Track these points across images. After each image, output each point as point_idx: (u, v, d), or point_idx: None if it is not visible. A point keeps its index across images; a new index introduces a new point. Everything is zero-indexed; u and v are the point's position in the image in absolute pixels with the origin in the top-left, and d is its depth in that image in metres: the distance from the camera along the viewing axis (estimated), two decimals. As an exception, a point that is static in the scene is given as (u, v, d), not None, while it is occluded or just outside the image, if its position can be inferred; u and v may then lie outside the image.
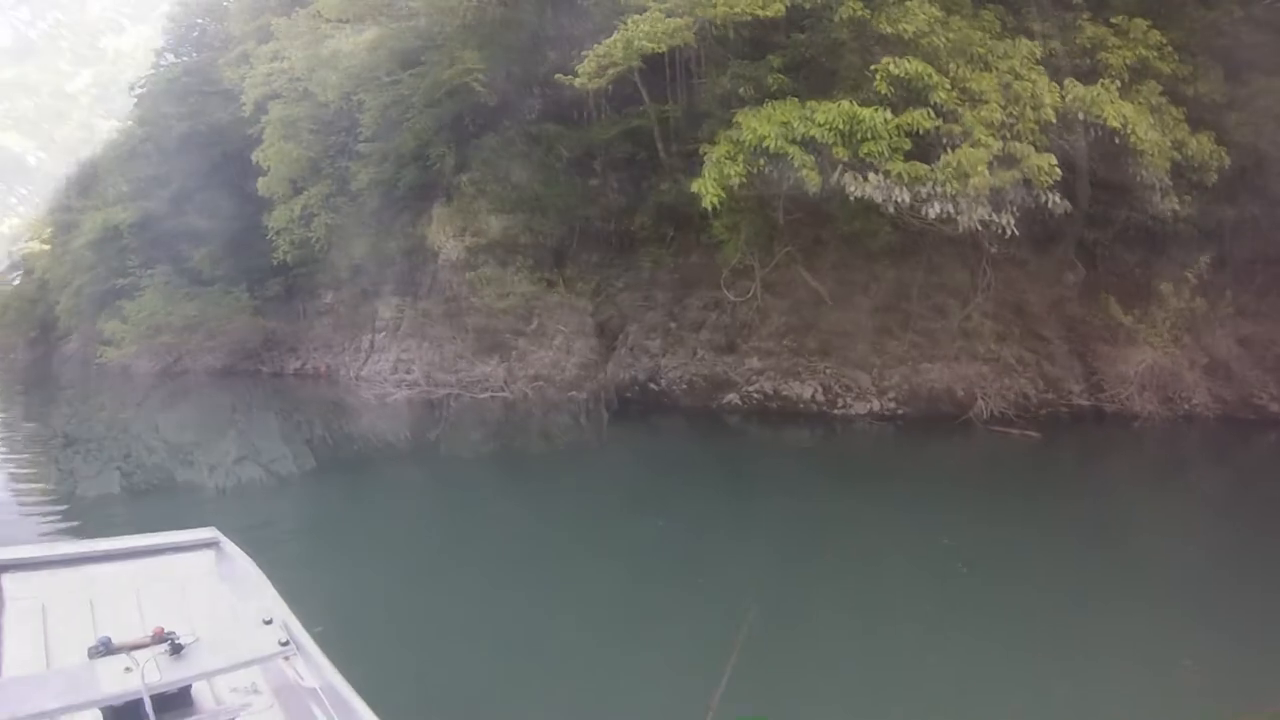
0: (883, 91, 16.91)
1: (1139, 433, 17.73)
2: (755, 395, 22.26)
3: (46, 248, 65.11)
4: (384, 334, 31.43)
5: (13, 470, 19.50)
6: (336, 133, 30.19)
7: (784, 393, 21.94)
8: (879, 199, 16.80)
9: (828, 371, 21.72)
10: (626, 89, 22.66)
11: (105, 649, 4.25)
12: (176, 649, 4.11)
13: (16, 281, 73.70)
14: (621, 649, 8.20)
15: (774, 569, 10.53)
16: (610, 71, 19.37)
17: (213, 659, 4.19)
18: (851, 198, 16.94)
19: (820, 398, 21.51)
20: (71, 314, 53.98)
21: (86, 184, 57.21)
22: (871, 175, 16.77)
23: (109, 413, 31.62)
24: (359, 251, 30.25)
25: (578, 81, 19.45)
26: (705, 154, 18.30)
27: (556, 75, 20.95)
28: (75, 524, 13.03)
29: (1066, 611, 8.84)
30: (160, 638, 4.26)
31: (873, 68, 17.20)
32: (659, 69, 22.60)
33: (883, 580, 10.11)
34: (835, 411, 21.11)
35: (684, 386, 23.39)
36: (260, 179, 31.74)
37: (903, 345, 21.21)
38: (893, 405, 20.74)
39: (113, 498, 15.19)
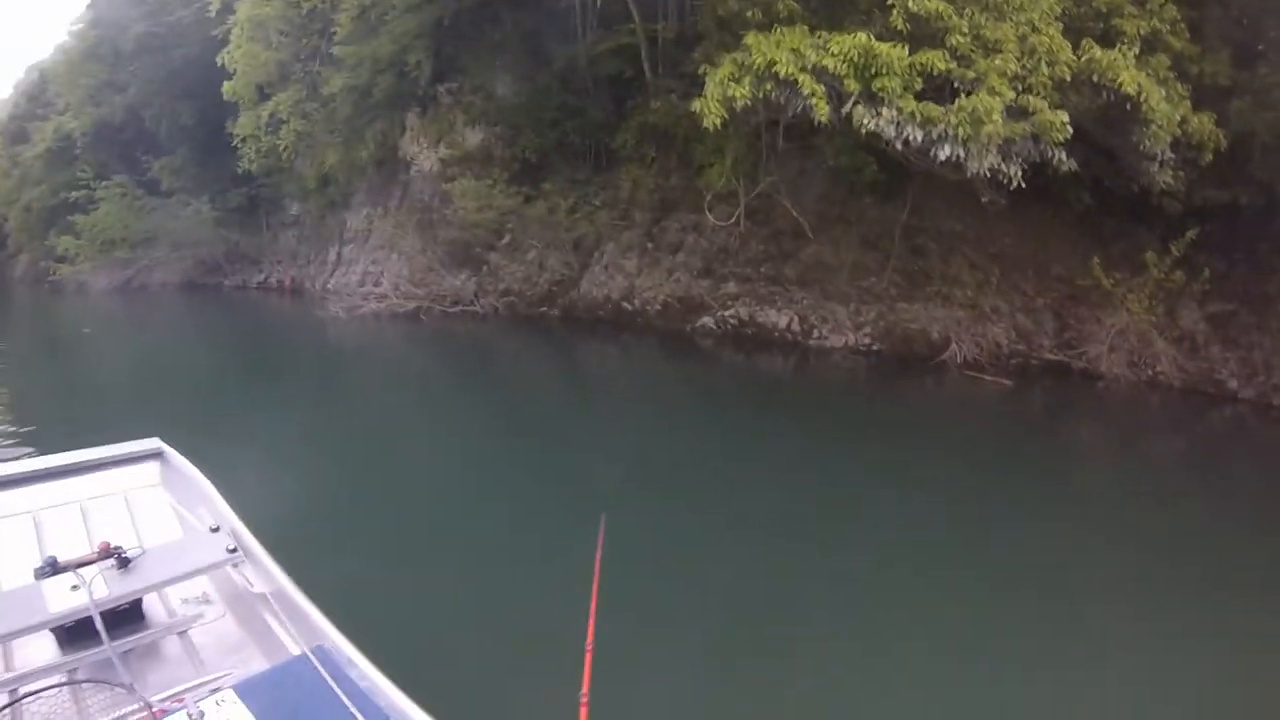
0: (898, 27, 16.44)
1: (1102, 393, 17.69)
2: (730, 320, 21.82)
3: (-7, 159, 62.91)
4: (352, 246, 30.61)
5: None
6: (309, 35, 29.09)
7: (759, 320, 21.53)
8: (890, 135, 16.35)
9: (804, 302, 21.33)
10: (616, 5, 21.98)
11: (52, 569, 4.14)
12: (124, 563, 3.99)
13: (-39, 197, 71.36)
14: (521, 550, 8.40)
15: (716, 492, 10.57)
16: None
17: (161, 570, 4.07)
18: (863, 130, 16.45)
19: (796, 327, 21.14)
20: (21, 230, 52.19)
21: (35, 92, 54.93)
22: (885, 110, 16.31)
23: (58, 330, 30.82)
24: (329, 161, 29.27)
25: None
26: (706, 75, 17.68)
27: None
28: (19, 440, 12.65)
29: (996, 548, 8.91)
30: (106, 552, 4.18)
31: (890, 1, 16.69)
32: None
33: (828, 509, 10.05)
34: (810, 342, 20.75)
35: (658, 307, 22.85)
36: (225, 83, 30.57)
37: (882, 283, 20.85)
38: (868, 341, 20.41)
39: (62, 414, 14.87)
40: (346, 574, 7.05)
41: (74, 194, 41.20)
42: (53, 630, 3.85)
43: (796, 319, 21.16)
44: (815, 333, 20.84)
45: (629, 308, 23.29)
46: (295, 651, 3.88)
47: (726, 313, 21.86)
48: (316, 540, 7.96)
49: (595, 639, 3.64)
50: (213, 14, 30.58)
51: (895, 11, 16.33)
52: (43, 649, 3.95)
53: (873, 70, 16.21)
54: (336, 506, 9.83)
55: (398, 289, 25.70)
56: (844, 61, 16.21)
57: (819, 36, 16.72)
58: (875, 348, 20.15)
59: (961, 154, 16.16)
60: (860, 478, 11.37)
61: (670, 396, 16.70)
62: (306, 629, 4.03)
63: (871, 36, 16.32)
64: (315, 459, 12.13)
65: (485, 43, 25.84)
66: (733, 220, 21.61)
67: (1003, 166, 16.19)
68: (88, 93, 42.56)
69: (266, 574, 4.44)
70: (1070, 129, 15.89)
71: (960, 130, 15.89)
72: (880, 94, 16.12)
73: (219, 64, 30.50)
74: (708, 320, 22.00)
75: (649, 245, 23.52)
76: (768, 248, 22.03)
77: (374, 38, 26.02)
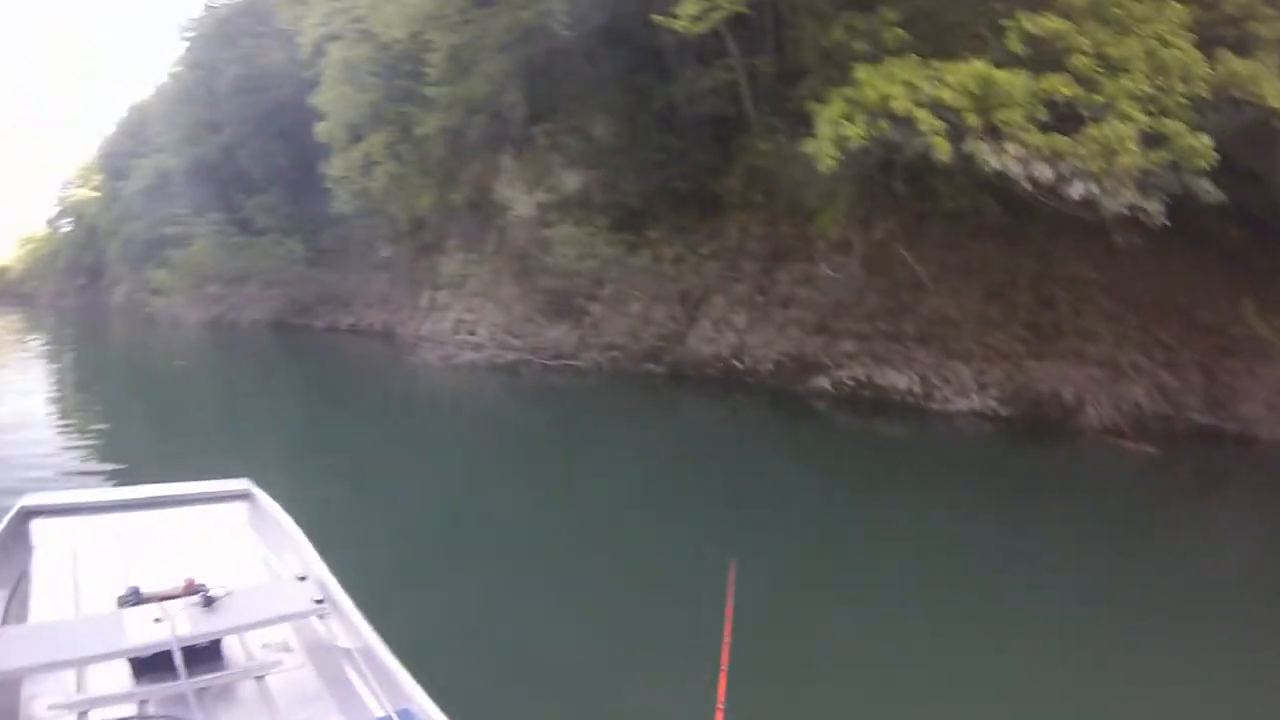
0: (1015, 51, 15.78)
1: (1263, 459, 16.52)
2: (847, 382, 21.25)
3: (97, 194, 66.00)
4: (446, 291, 30.92)
5: (57, 417, 19.48)
6: (400, 76, 29.50)
7: (878, 381, 20.87)
8: (1017, 172, 15.70)
9: (925, 361, 20.61)
10: (710, 41, 21.77)
11: (135, 598, 4.31)
12: (208, 601, 4.14)
13: (67, 228, 75.08)
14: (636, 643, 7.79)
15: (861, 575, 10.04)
16: (713, 15, 18.58)
17: (245, 613, 4.20)
18: (986, 169, 15.85)
19: (916, 390, 20.42)
20: (120, 262, 54.87)
21: (135, 130, 57.63)
22: (1010, 146, 15.66)
23: (152, 361, 32.02)
24: (422, 203, 29.68)
25: (679, 25, 18.60)
26: (815, 113, 17.32)
27: (653, 17, 19.95)
28: (111, 470, 13.18)
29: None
30: (191, 589, 4.34)
31: (1005, 23, 16.06)
32: (746, 20, 21.55)
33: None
34: (931, 406, 19.99)
35: (770, 367, 22.43)
36: (318, 124, 31.33)
37: (1008, 338, 20.03)
38: (994, 404, 19.58)
39: (154, 447, 15.36)
40: (437, 630, 7.03)
41: (170, 229, 43.01)
42: (130, 660, 3.95)
43: (917, 380, 20.48)
44: (937, 395, 20.12)
45: (739, 366, 22.93)
46: (378, 712, 3.95)
47: (843, 373, 21.32)
48: (405, 592, 7.98)
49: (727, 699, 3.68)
50: (304, 57, 31.33)
51: (1011, 34, 15.70)
52: (117, 677, 4.02)
53: (992, 101, 15.61)
54: (429, 557, 9.83)
55: (494, 338, 25.89)
56: (961, 93, 15.64)
57: (931, 67, 16.19)
58: (1002, 412, 19.32)
59: (1095, 191, 15.37)
60: (990, 558, 10.72)
61: (784, 463, 16.23)
62: (392, 689, 4.07)
63: (988, 64, 15.73)
64: (408, 506, 12.24)
65: (581, 81, 25.87)
66: (847, 271, 21.13)
67: (1141, 203, 15.33)
68: (185, 132, 44.54)
69: (352, 628, 4.54)
70: (1214, 154, 14.91)
71: (1092, 164, 15.12)
72: (1002, 127, 15.49)
73: (311, 106, 31.21)
74: (823, 381, 21.48)
75: (759, 298, 23.15)
76: (885, 301, 21.41)
77: (466, 78, 26.28)
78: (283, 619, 4.45)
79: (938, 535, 11.48)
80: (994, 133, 15.72)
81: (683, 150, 24.29)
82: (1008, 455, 17.40)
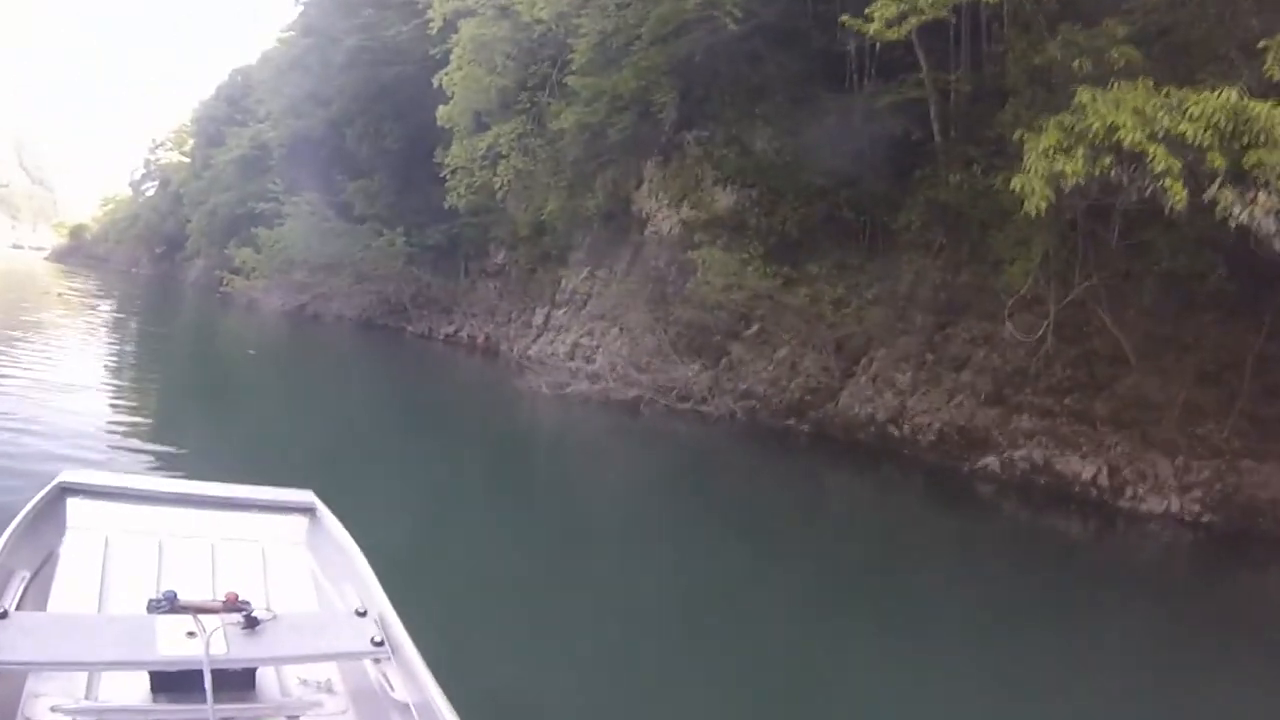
0: (1274, 78, 14.45)
1: None
2: (1020, 464, 19.79)
3: (186, 160, 67.82)
4: (565, 310, 30.45)
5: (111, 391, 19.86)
6: (539, 61, 29.32)
7: (1057, 467, 19.31)
8: (1267, 230, 14.38)
9: (1117, 449, 19.04)
10: (897, 50, 20.81)
11: (168, 605, 4.16)
12: (250, 622, 3.96)
13: (150, 192, 77.38)
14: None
15: None
16: (911, 20, 17.58)
17: (290, 642, 4.07)
18: (1231, 223, 14.54)
19: (1103, 481, 18.88)
20: (202, 234, 56.13)
21: (237, 96, 58.91)
22: (1262, 195, 14.35)
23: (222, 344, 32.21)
24: (548, 206, 29.25)
25: (872, 29, 17.71)
26: (1026, 142, 16.21)
27: (844, 18, 19.12)
28: (158, 453, 13.49)
29: None
30: (233, 605, 4.18)
31: (1264, 44, 14.76)
32: (939, 28, 20.44)
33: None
34: (1120, 503, 18.44)
35: (932, 437, 21.11)
36: (440, 107, 31.19)
37: (1222, 431, 18.39)
38: (1197, 509, 18.01)
39: (209, 438, 15.24)
40: (513, 700, 6.72)
41: (261, 205, 43.64)
42: (153, 672, 3.88)
43: (1105, 471, 19.01)
44: (1128, 491, 18.55)
45: (896, 433, 21.63)
46: None
47: (1017, 454, 19.88)
48: (474, 648, 7.56)
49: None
50: (433, 32, 31.29)
51: (1270, 56, 14.31)
52: (134, 689, 3.93)
53: (1245, 139, 14.26)
54: (511, 612, 9.38)
55: (614, 370, 25.11)
56: (1206, 127, 14.32)
57: (1169, 94, 14.90)
58: (1206, 518, 17.68)
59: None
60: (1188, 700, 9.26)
61: (938, 561, 14.76)
62: None
63: (1240, 92, 14.38)
64: (494, 550, 11.79)
65: (743, 86, 25.25)
66: (1038, 335, 19.84)
67: None
68: (290, 103, 45.11)
69: (413, 678, 4.29)
70: None
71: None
72: (1254, 172, 14.12)
73: (434, 85, 31.15)
74: (991, 461, 20.07)
75: (929, 357, 21.86)
76: (1076, 373, 19.91)
77: (614, 70, 25.82)
78: (332, 656, 4.33)
79: (1112, 687, 9.69)
80: (1242, 178, 14.48)
81: (855, 175, 23.12)
82: (1210, 575, 15.89)
